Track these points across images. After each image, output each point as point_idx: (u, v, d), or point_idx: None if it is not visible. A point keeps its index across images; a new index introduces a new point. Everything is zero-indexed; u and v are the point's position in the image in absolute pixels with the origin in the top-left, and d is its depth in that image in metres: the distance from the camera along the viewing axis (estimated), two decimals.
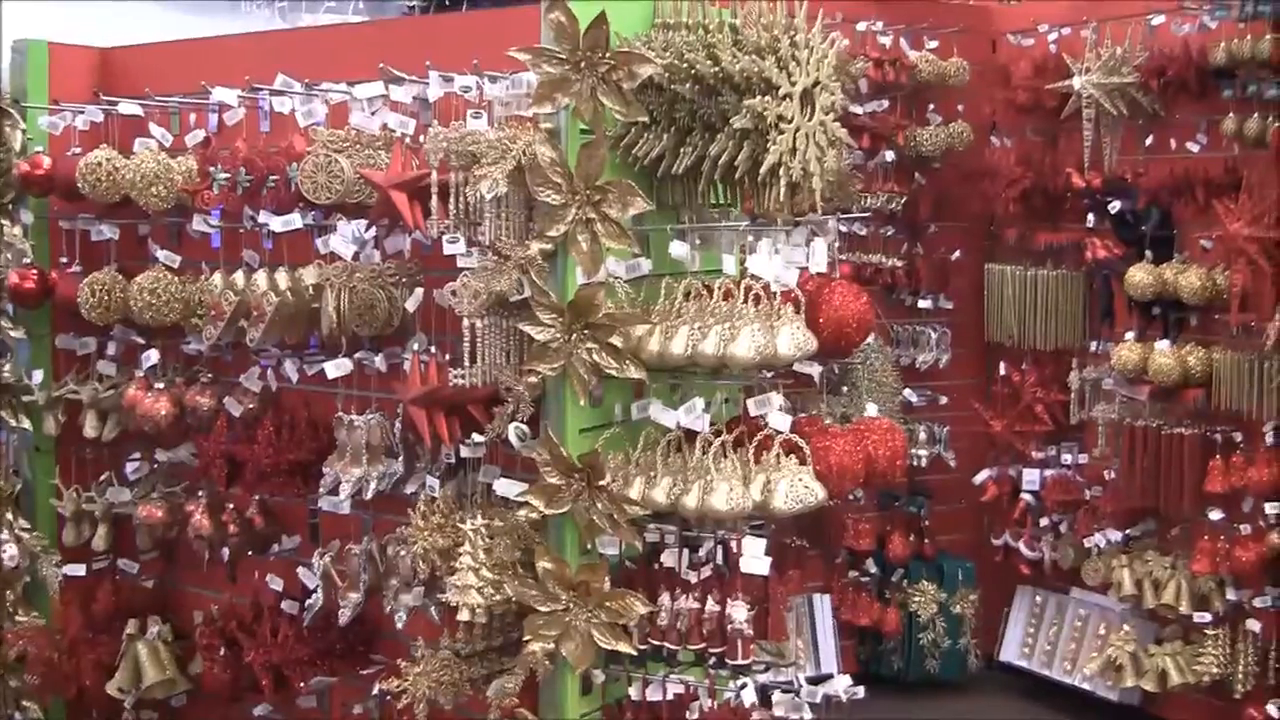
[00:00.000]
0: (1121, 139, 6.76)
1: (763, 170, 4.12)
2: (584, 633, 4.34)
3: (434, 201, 4.59)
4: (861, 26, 7.06)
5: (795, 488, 4.21)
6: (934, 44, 7.25)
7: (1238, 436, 6.21)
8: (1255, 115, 6.05)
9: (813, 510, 4.33)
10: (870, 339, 6.72)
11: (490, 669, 4.62)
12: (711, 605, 4.31)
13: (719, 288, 4.32)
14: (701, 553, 4.41)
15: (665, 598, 4.36)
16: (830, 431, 4.49)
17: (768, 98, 4.12)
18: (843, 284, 4.53)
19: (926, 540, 7.34)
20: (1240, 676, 6.20)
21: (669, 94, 4.31)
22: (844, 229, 6.90)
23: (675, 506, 4.27)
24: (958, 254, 7.42)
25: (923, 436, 7.26)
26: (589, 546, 4.39)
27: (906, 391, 7.17)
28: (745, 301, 4.23)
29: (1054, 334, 7.09)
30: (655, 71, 4.24)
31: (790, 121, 4.14)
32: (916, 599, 7.25)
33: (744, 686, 4.37)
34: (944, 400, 7.40)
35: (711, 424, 4.39)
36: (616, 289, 4.41)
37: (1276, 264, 5.90)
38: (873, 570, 7.25)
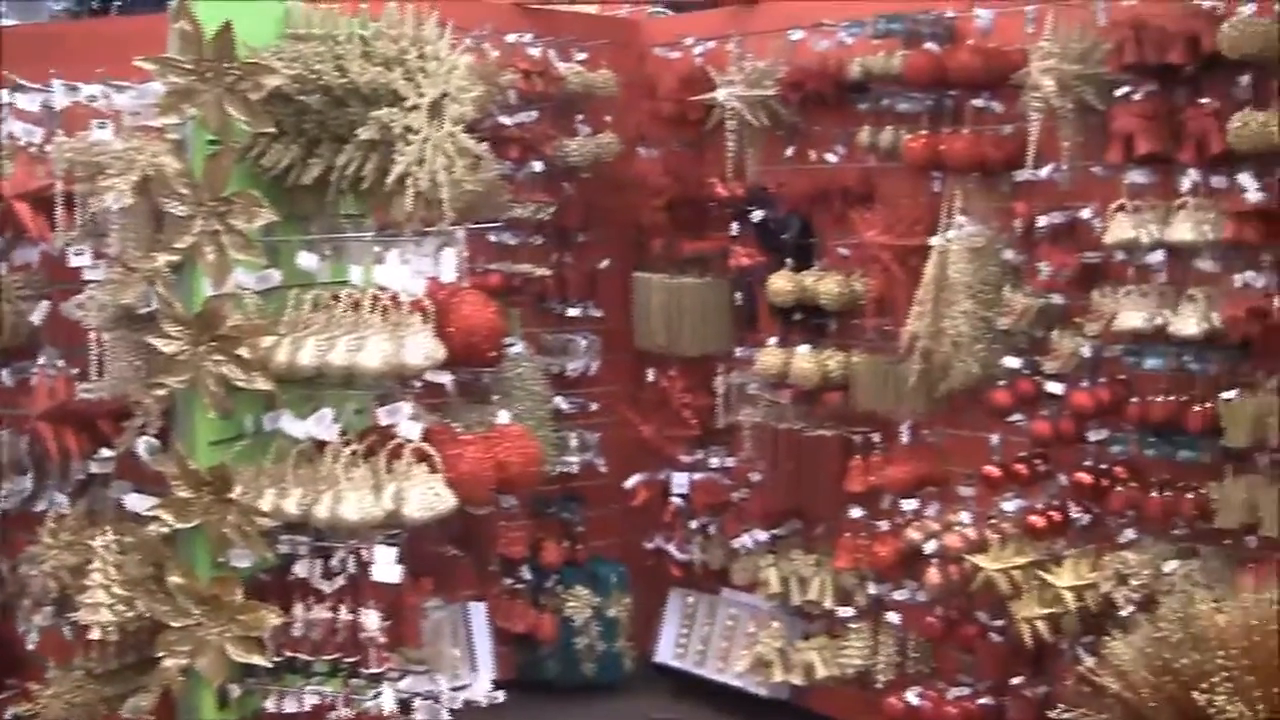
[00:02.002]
0: (763, 150, 6.91)
1: (389, 180, 4.15)
2: (217, 646, 4.29)
3: (59, 212, 4.52)
4: (511, 38, 7.06)
5: (426, 496, 4.24)
6: (583, 56, 7.29)
7: (876, 437, 6.42)
8: (888, 128, 6.24)
9: (447, 517, 4.37)
10: (520, 348, 6.79)
11: (125, 687, 4.54)
12: (344, 614, 4.33)
13: (347, 298, 4.32)
14: (334, 562, 4.41)
15: (299, 608, 4.36)
16: (461, 439, 4.53)
17: (395, 109, 4.16)
18: (472, 293, 4.59)
19: (579, 545, 7.37)
20: (882, 667, 6.39)
21: (298, 104, 4.30)
22: (494, 239, 6.94)
23: (307, 517, 4.27)
24: (607, 263, 7.47)
25: (574, 443, 7.28)
26: (220, 560, 4.35)
27: (557, 399, 7.18)
28: (373, 311, 4.25)
29: (701, 340, 7.15)
30: (283, 82, 4.24)
31: (418, 132, 4.17)
32: (571, 604, 7.26)
33: (379, 695, 4.38)
34: (595, 407, 7.44)
35: (344, 434, 4.39)
36: (246, 300, 4.37)
37: (909, 270, 6.11)
38: (527, 577, 7.24)
